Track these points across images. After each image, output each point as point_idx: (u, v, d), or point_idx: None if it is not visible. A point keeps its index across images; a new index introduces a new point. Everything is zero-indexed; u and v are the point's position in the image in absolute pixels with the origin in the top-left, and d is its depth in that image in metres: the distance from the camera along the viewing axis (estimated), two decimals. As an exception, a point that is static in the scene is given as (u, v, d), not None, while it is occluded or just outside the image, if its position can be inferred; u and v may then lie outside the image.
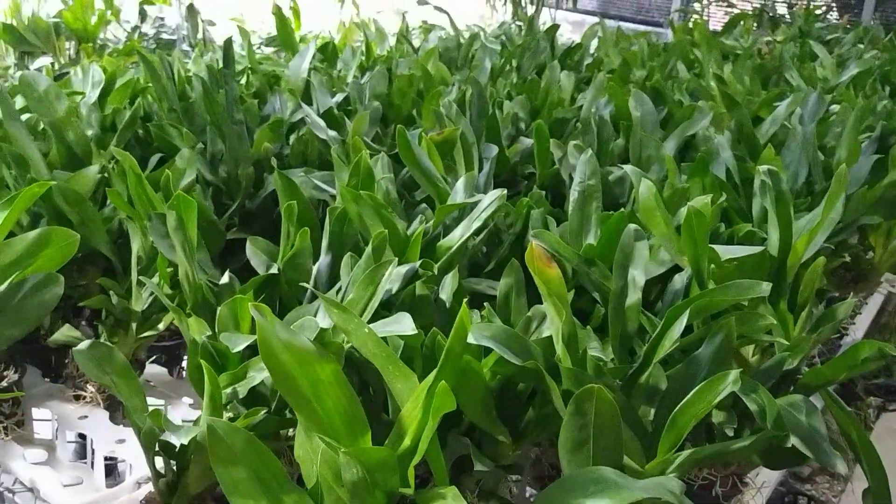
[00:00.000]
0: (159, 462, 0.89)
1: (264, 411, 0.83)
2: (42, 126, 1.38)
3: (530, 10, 5.01)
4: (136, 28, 3.16)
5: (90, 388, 1.22)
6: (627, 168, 1.25)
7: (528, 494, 1.06)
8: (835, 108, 1.92)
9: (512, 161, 1.55)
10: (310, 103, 1.65)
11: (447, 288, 1.00)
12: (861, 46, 3.15)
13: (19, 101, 1.44)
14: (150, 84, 1.58)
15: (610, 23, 3.30)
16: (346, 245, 1.06)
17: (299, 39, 2.62)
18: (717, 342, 0.90)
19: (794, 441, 0.83)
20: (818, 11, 4.92)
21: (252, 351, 0.83)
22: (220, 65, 1.55)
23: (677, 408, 0.80)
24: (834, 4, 5.80)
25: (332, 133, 1.47)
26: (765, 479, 1.13)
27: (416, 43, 2.74)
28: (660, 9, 6.86)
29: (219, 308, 0.92)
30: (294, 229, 1.05)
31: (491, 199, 1.07)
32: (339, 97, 1.74)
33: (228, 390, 0.85)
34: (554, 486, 0.69)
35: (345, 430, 0.72)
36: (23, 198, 0.93)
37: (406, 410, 0.73)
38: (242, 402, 0.88)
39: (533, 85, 1.95)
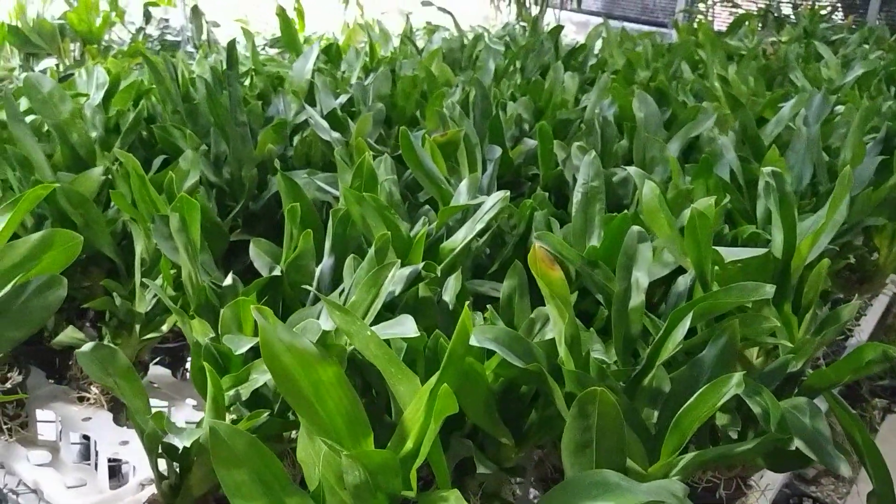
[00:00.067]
0: (162, 464, 0.89)
1: (267, 413, 0.83)
2: (46, 128, 1.38)
3: (534, 10, 5.01)
4: (140, 29, 3.16)
5: (94, 389, 1.22)
6: (631, 169, 1.25)
7: (531, 497, 1.06)
8: (839, 108, 1.91)
9: (515, 162, 1.55)
10: (313, 105, 1.65)
11: (450, 290, 1.00)
12: (866, 47, 3.14)
13: (24, 103, 1.45)
14: (154, 86, 1.59)
15: (614, 23, 3.30)
16: (349, 247, 1.06)
17: (303, 41, 2.62)
18: (720, 344, 0.90)
19: (797, 444, 0.83)
20: (823, 12, 4.90)
21: (255, 353, 0.82)
22: (224, 66, 1.55)
23: (681, 410, 0.80)
24: (839, 5, 5.79)
25: (336, 134, 1.47)
26: (769, 482, 1.13)
27: (420, 44, 2.74)
28: (664, 9, 6.85)
29: (222, 310, 0.92)
30: (297, 231, 1.05)
31: (494, 201, 1.07)
32: (343, 98, 1.74)
33: (231, 392, 0.85)
34: (556, 488, 0.69)
35: (347, 433, 0.72)
36: (27, 199, 0.93)
37: (408, 413, 0.73)
38: (245, 404, 0.88)
39: (537, 86, 1.95)
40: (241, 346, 0.86)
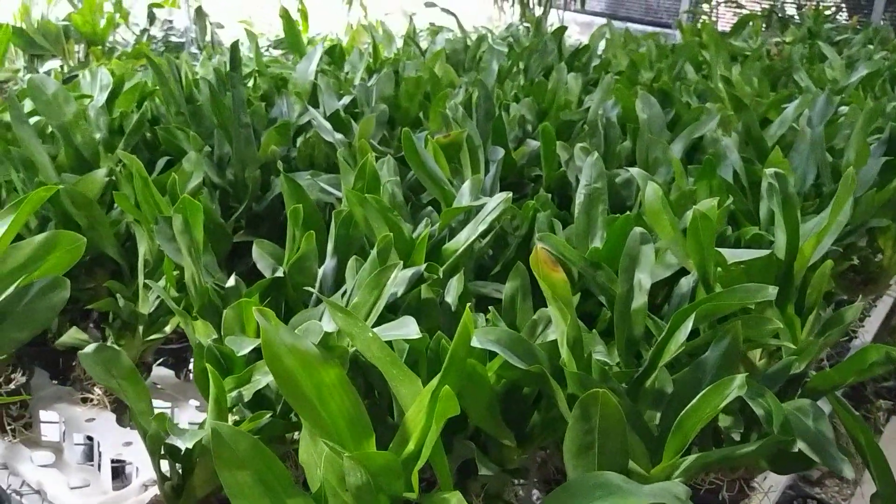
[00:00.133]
0: (165, 465, 0.89)
1: (269, 415, 0.83)
2: (50, 129, 1.39)
3: (538, 11, 5.01)
4: (144, 31, 3.17)
5: (97, 390, 1.23)
6: (634, 171, 1.25)
7: (534, 499, 1.06)
8: (844, 109, 1.91)
9: (518, 163, 1.55)
10: (317, 106, 1.65)
11: (453, 291, 1.00)
12: (870, 47, 3.13)
13: (28, 105, 1.45)
14: (158, 87, 1.59)
15: (618, 24, 3.29)
16: (351, 248, 1.06)
17: (307, 42, 2.63)
18: (723, 346, 0.90)
19: (800, 446, 0.83)
20: (827, 12, 4.89)
21: (258, 354, 0.82)
22: (228, 68, 1.55)
23: (683, 412, 0.80)
24: (843, 5, 5.78)
25: (339, 136, 1.47)
26: (772, 484, 1.13)
27: (424, 45, 2.74)
28: (668, 10, 6.85)
29: (225, 311, 0.92)
30: (300, 232, 1.05)
31: (497, 202, 1.07)
32: (346, 100, 1.74)
33: (234, 394, 0.85)
34: (558, 490, 0.69)
35: (349, 434, 0.72)
36: (30, 201, 0.93)
37: (410, 414, 0.73)
38: (248, 406, 0.88)
39: (540, 87, 1.95)
40: (244, 347, 0.86)
